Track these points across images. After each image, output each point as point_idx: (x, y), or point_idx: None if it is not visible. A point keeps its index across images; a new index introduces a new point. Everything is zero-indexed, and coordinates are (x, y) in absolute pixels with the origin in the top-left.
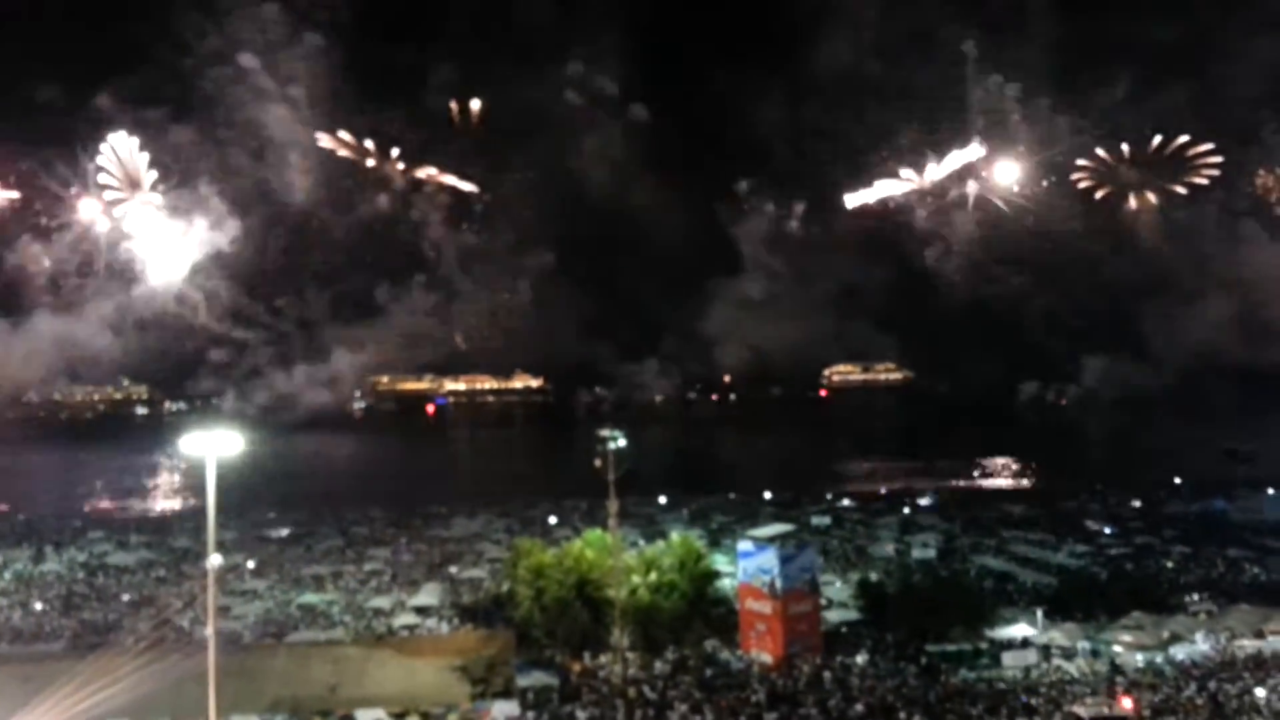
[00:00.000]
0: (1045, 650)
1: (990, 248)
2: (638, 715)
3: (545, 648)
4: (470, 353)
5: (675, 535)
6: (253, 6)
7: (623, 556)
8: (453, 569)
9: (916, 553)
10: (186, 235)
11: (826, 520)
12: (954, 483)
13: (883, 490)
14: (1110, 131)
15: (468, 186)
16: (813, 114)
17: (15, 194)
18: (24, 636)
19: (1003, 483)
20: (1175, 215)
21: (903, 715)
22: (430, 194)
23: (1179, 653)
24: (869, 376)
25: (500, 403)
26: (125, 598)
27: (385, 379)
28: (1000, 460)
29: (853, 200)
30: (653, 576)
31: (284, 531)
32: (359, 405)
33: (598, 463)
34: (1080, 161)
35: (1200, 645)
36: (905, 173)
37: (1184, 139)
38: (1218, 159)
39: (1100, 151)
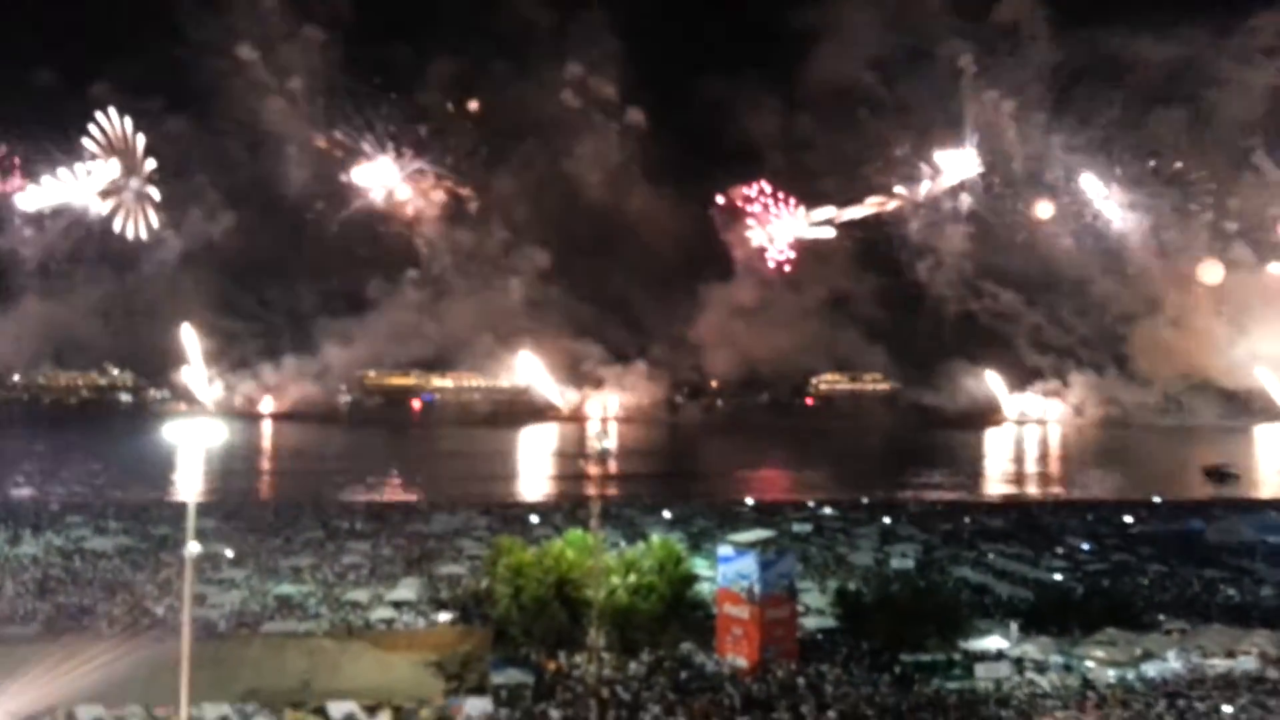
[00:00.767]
0: (1018, 663)
1: (980, 263)
2: (610, 715)
3: (521, 646)
4: (459, 349)
5: (656, 537)
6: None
7: (603, 557)
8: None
9: (895, 563)
10: (179, 224)
11: (808, 527)
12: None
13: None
14: (1104, 151)
15: (462, 185)
16: (807, 124)
17: (8, 178)
18: None
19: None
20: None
21: None
22: (425, 190)
23: (1150, 670)
24: (856, 386)
25: (488, 400)
26: (101, 582)
27: (373, 373)
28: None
29: (846, 213)
30: (632, 578)
31: (264, 522)
32: (345, 399)
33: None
34: (1071, 181)
35: (1172, 663)
36: (898, 188)
37: (1178, 165)
38: (1210, 186)
39: (1089, 172)
